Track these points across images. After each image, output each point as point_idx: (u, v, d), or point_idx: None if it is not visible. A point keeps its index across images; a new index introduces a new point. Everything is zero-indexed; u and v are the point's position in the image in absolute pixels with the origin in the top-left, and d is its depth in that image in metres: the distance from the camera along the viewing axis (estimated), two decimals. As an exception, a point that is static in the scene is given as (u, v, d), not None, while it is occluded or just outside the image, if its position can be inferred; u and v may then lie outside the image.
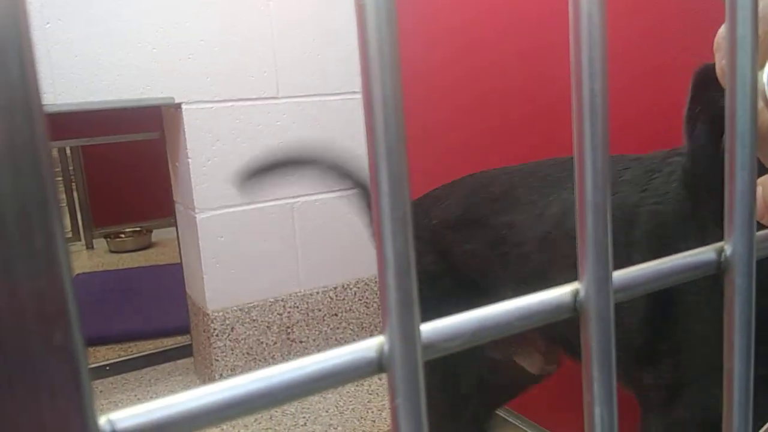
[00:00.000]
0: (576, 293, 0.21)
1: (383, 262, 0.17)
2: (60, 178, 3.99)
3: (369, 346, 0.17)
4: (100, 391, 1.95)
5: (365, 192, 1.14)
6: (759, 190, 0.29)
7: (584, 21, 0.19)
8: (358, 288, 2.03)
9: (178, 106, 1.75)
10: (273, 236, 1.89)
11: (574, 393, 1.32)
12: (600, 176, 0.20)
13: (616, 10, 1.12)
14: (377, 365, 0.17)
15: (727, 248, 0.24)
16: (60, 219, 0.12)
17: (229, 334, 1.84)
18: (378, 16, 0.16)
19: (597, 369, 0.21)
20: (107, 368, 2.05)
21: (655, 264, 0.23)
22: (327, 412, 1.75)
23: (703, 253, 0.24)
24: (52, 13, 1.57)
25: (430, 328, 0.19)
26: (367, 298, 2.04)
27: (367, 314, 2.06)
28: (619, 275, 0.22)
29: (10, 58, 0.12)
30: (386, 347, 0.17)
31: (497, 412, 1.59)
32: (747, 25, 0.22)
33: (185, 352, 2.13)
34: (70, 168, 3.92)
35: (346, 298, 2.01)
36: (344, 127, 1.96)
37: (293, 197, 1.90)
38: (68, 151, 3.80)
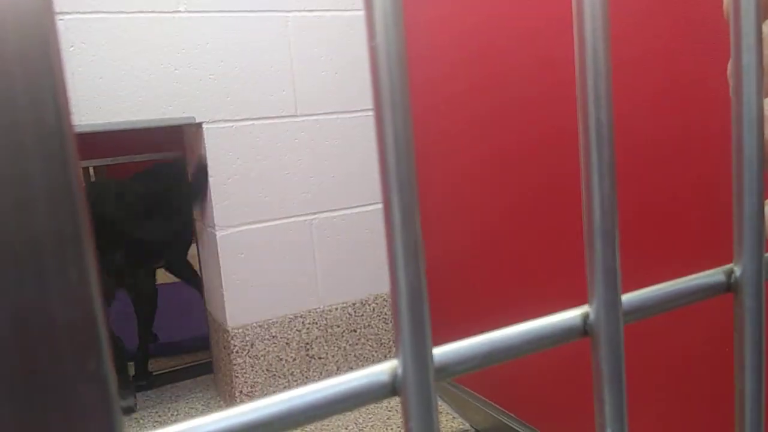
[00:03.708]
0: (586, 316, 0.21)
1: (396, 289, 0.18)
2: (83, 197, 4.05)
3: (382, 369, 0.18)
4: (122, 408, 1.96)
5: None
6: None
7: (589, 53, 0.20)
8: (377, 304, 2.03)
9: (199, 125, 1.77)
10: (292, 253, 1.90)
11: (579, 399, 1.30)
12: (607, 202, 0.21)
13: (621, 25, 1.13)
14: (390, 389, 0.17)
15: (737, 270, 0.24)
16: (93, 253, 0.13)
17: (249, 351, 1.85)
18: (387, 33, 0.17)
19: (607, 391, 0.21)
20: (129, 385, 2.07)
21: (665, 286, 0.23)
22: (347, 429, 1.74)
23: (713, 275, 0.24)
24: (76, 37, 1.61)
25: (442, 351, 0.19)
26: (385, 314, 2.05)
27: (386, 330, 2.05)
28: (629, 298, 0.22)
29: (42, 86, 0.13)
30: (399, 371, 0.18)
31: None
32: (752, 52, 0.22)
33: (206, 368, 2.15)
34: (94, 186, 3.98)
35: (364, 314, 2.01)
36: (362, 144, 1.98)
37: (312, 214, 1.91)
38: (92, 171, 3.86)
